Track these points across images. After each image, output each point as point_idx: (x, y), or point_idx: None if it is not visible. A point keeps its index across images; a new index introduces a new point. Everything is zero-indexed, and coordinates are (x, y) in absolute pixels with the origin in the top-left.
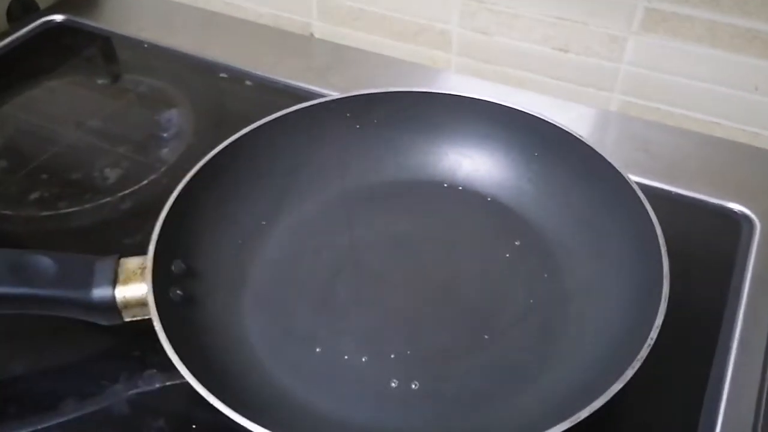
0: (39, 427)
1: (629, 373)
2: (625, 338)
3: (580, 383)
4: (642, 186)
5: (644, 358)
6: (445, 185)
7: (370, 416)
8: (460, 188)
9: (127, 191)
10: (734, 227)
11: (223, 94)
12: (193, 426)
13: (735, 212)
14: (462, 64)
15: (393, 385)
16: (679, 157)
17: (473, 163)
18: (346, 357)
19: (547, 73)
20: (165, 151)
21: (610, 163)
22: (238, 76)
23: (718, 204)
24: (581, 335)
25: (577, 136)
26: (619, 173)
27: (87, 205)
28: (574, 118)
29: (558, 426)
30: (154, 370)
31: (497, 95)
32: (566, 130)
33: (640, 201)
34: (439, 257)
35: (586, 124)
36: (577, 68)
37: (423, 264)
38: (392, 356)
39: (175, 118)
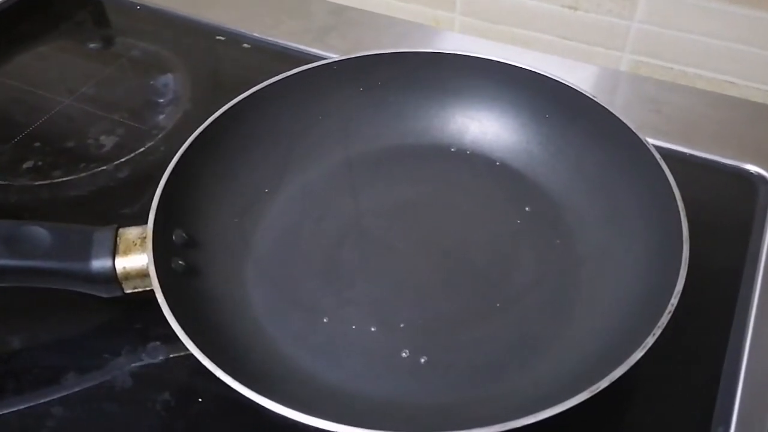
0: (40, 401)
1: (650, 341)
2: (642, 305)
3: (597, 352)
4: (656, 148)
5: (665, 325)
6: (453, 149)
7: (380, 387)
8: (468, 152)
9: (123, 159)
10: (751, 189)
11: (220, 58)
12: (199, 399)
13: (751, 173)
14: (466, 24)
15: (404, 355)
16: (693, 117)
17: (481, 127)
18: (354, 327)
19: (554, 32)
20: (161, 117)
21: (625, 125)
22: (235, 39)
23: (733, 165)
24: (596, 302)
25: (591, 97)
26: (636, 135)
27: (82, 174)
28: (582, 78)
29: (576, 397)
30: (158, 343)
31: (504, 56)
32: (579, 90)
33: (657, 163)
34: (447, 224)
35: (596, 85)
36: (587, 27)
37: (431, 231)
38: (402, 326)
39: (170, 83)
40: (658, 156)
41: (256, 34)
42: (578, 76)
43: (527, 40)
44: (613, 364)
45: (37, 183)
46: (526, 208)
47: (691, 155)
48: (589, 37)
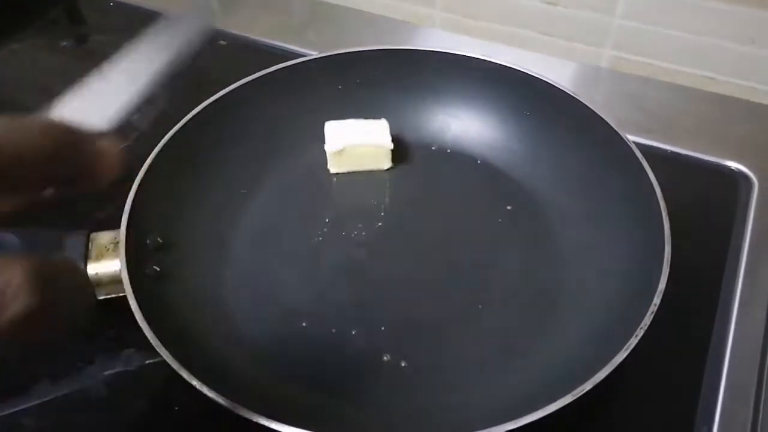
0: (13, 410)
1: (633, 342)
2: (624, 304)
3: (579, 353)
4: (637, 145)
5: (647, 325)
6: (433, 148)
7: (362, 392)
8: (449, 151)
9: None
10: (732, 185)
11: (195, 55)
12: (176, 408)
13: (732, 170)
14: (446, 20)
15: (385, 359)
16: (674, 114)
17: (462, 124)
18: (333, 331)
19: (535, 28)
20: (136, 117)
21: (606, 122)
22: (211, 36)
23: (715, 162)
24: (579, 302)
25: (572, 94)
26: (616, 132)
27: None
28: (563, 75)
29: (559, 401)
30: (132, 350)
31: (484, 53)
32: (560, 87)
33: (638, 161)
34: (428, 224)
35: (577, 81)
36: (568, 22)
37: (412, 232)
38: (382, 329)
39: None
40: (639, 153)
41: (232, 31)
42: (559, 72)
43: (508, 36)
44: (596, 365)
45: None
46: (508, 207)
47: (672, 152)
48: (570, 33)
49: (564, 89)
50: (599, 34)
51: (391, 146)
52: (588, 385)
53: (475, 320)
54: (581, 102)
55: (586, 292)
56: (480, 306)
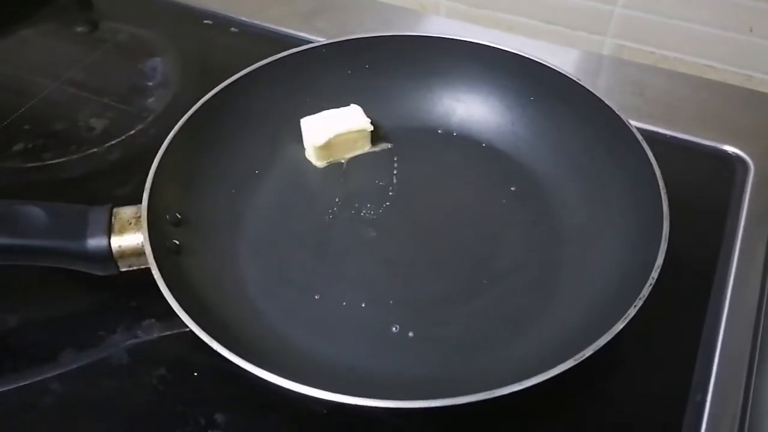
0: (37, 378)
1: (631, 312)
2: (623, 280)
3: (580, 325)
4: (637, 130)
5: (645, 297)
6: (440, 131)
7: (371, 361)
8: (455, 134)
9: (114, 141)
10: (729, 169)
11: (208, 42)
12: (195, 373)
13: (729, 154)
14: (451, 8)
15: (393, 330)
16: (674, 100)
17: (467, 109)
18: (344, 303)
19: (538, 17)
20: (151, 100)
21: (609, 107)
22: (222, 23)
23: (712, 146)
24: (580, 278)
25: (575, 80)
26: (618, 116)
27: (73, 156)
28: (566, 62)
29: (561, 365)
30: (153, 320)
31: (489, 39)
32: (564, 73)
33: (639, 144)
34: (435, 204)
35: (579, 69)
36: (570, 11)
37: (419, 211)
38: (391, 302)
39: (159, 67)
40: (640, 137)
41: (243, 18)
42: (562, 59)
43: (511, 24)
44: (596, 334)
45: (28, 165)
46: (512, 188)
47: (671, 137)
48: (573, 21)
49: (568, 75)
50: (601, 22)
51: (371, 128)
52: (588, 351)
53: (480, 294)
54: (585, 87)
55: (587, 268)
56: (484, 281)
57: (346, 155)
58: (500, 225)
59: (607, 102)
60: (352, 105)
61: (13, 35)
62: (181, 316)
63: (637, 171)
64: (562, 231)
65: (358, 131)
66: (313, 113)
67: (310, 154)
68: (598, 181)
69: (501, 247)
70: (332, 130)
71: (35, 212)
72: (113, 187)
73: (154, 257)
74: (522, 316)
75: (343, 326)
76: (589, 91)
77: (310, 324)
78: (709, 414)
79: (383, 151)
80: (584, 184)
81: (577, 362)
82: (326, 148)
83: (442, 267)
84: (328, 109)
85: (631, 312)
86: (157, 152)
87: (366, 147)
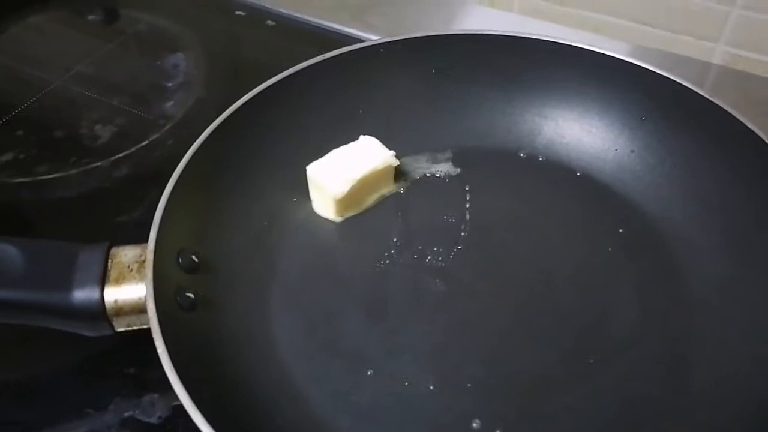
0: None
1: None
2: None
3: (723, 427)
4: None
5: None
6: (522, 155)
7: None
8: (541, 159)
9: (122, 154)
10: None
11: (239, 37)
12: None
13: None
14: (526, 4)
15: (474, 426)
16: None
17: (557, 128)
18: (407, 383)
19: (632, 17)
20: (169, 104)
21: (755, 133)
22: (257, 15)
23: None
24: (718, 359)
25: (707, 97)
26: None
27: (72, 171)
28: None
29: None
30: (155, 395)
31: (584, 41)
32: (692, 88)
33: None
34: (522, 251)
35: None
36: (673, 11)
37: (502, 260)
38: (469, 385)
39: (181, 64)
40: None
41: (281, 10)
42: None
43: (598, 24)
44: None
45: (16, 180)
46: (620, 230)
47: None
48: (676, 23)
49: (697, 90)
50: (714, 25)
51: (397, 162)
52: None
53: (586, 378)
54: (719, 106)
55: (728, 344)
56: (591, 360)
57: (370, 202)
58: (607, 281)
59: (751, 127)
60: (362, 137)
61: (24, 23)
62: (190, 413)
63: None
64: (692, 292)
65: (383, 168)
66: (366, 126)
67: (325, 208)
68: (739, 224)
69: (611, 312)
70: (353, 173)
71: (10, 253)
72: (116, 212)
73: (159, 318)
74: (640, 411)
75: (405, 415)
76: (725, 110)
77: (361, 410)
78: None
79: (452, 178)
80: (719, 228)
81: None
82: (347, 198)
83: (535, 338)
84: (386, 125)
85: None
86: (173, 171)
87: (390, 187)
